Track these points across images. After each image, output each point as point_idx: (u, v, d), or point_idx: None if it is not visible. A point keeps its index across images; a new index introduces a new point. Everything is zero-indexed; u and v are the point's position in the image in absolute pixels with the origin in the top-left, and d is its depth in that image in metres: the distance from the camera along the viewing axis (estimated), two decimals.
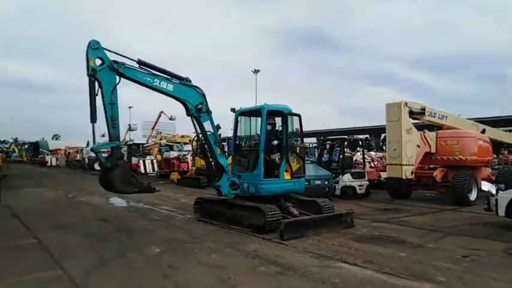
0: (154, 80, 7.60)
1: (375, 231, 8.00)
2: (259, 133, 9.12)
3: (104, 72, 7.02)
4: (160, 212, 10.79)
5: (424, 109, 13.31)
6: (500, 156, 34.24)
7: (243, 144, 9.38)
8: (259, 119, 8.58)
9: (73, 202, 13.09)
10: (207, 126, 8.27)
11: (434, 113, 13.85)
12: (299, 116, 8.76)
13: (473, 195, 12.30)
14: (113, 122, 7.11)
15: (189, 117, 8.24)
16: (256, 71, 53.37)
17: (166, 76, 7.80)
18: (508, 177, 14.15)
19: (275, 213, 7.51)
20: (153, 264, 5.52)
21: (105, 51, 7.01)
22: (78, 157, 41.06)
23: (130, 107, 73.77)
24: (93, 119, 7.01)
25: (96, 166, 32.50)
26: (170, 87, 7.81)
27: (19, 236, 7.48)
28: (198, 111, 8.10)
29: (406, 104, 12.80)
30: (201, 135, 8.43)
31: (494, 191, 8.39)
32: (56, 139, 74.16)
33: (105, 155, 8.00)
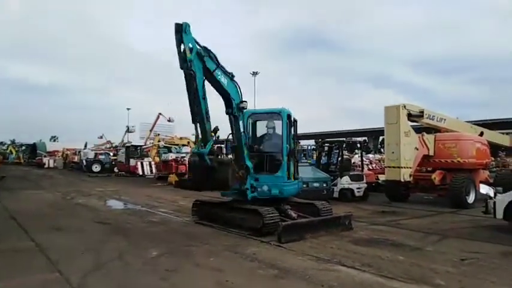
0: (218, 72, 7.23)
1: (373, 234, 7.99)
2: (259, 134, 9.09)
3: (196, 61, 6.51)
4: (158, 214, 10.74)
5: (422, 112, 13.34)
6: (498, 159, 34.22)
7: (255, 146, 8.87)
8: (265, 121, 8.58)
9: (70, 204, 13.02)
10: (241, 126, 7.93)
11: (433, 116, 13.89)
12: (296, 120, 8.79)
13: (471, 198, 12.33)
14: (207, 116, 6.91)
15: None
16: (255, 73, 53.47)
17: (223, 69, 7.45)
18: (506, 180, 14.18)
19: (273, 216, 7.49)
20: (151, 267, 5.49)
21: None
22: (76, 159, 40.93)
23: (128, 109, 73.90)
24: (195, 119, 6.76)
25: (94, 168, 32.59)
26: (225, 81, 7.46)
27: (16, 238, 7.42)
28: (240, 109, 7.75)
29: (405, 106, 12.85)
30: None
31: (492, 194, 8.39)
32: (54, 141, 73.88)
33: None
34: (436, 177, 12.89)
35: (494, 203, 8.17)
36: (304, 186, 9.44)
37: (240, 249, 6.50)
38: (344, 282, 4.83)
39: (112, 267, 5.53)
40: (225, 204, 8.65)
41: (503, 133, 22.52)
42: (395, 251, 6.46)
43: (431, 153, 13.47)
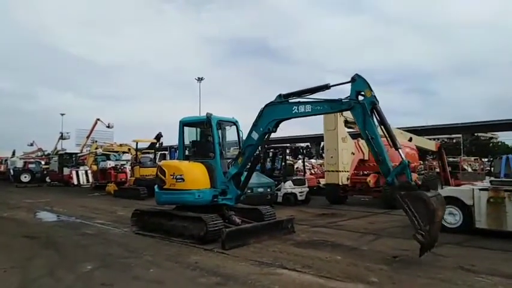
0: None
1: (314, 236, 8.25)
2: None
3: None
4: (94, 226, 10.13)
5: None
6: (426, 162, 37.33)
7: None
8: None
9: None
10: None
11: None
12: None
13: None
14: None
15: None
16: (200, 79, 52.98)
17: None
18: (432, 181, 15.47)
19: (217, 223, 7.43)
20: (85, 282, 5.16)
21: None
22: (2, 168, 37.47)
23: (62, 114, 69.28)
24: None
25: (23, 178, 29.99)
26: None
27: None
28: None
29: (342, 113, 13.50)
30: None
31: None
32: None
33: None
34: (370, 180, 13.68)
35: None
36: (249, 191, 9.50)
37: (181, 258, 6.36)
38: (285, 284, 4.92)
39: (40, 284, 5.12)
40: (166, 213, 8.42)
41: (430, 139, 24.62)
42: (334, 252, 6.73)
43: (366, 157, 14.27)
